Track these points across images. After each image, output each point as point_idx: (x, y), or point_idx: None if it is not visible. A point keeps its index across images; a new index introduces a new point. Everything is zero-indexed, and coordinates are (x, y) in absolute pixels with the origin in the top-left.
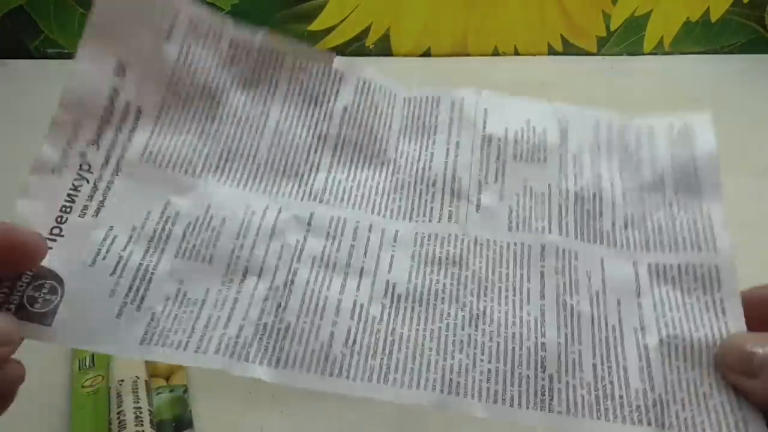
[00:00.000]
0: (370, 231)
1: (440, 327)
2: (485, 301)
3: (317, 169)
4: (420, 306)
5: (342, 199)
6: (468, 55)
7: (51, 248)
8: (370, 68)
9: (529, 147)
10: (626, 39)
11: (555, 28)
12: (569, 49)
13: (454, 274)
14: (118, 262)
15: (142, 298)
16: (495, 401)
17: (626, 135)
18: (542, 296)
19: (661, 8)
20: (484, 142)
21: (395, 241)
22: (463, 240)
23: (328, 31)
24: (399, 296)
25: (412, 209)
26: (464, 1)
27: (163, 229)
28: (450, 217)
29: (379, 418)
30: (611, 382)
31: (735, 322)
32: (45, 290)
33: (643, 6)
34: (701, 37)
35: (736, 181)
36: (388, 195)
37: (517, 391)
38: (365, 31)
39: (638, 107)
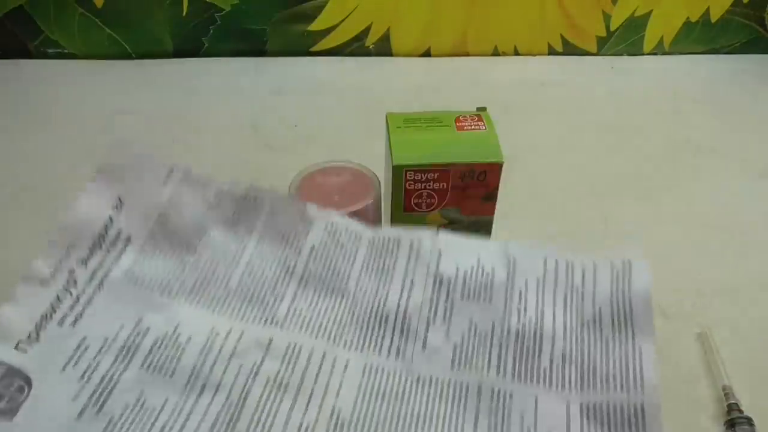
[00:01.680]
0: (323, 359)
1: None
2: None
3: (282, 298)
4: None
5: (301, 327)
6: (468, 55)
7: (26, 351)
8: (339, 216)
9: (477, 286)
10: (626, 39)
11: (555, 28)
12: (569, 49)
13: (395, 409)
14: (87, 369)
15: (104, 403)
16: None
17: (572, 271)
18: None
19: (661, 8)
20: (436, 282)
21: (345, 370)
22: (407, 378)
23: (328, 31)
24: (343, 422)
25: (364, 341)
26: (464, 1)
27: (133, 341)
28: (398, 353)
29: None
30: None
31: None
32: (13, 388)
33: (643, 6)
34: (701, 37)
35: (736, 181)
36: (345, 326)
37: None
38: (365, 31)
39: (638, 107)
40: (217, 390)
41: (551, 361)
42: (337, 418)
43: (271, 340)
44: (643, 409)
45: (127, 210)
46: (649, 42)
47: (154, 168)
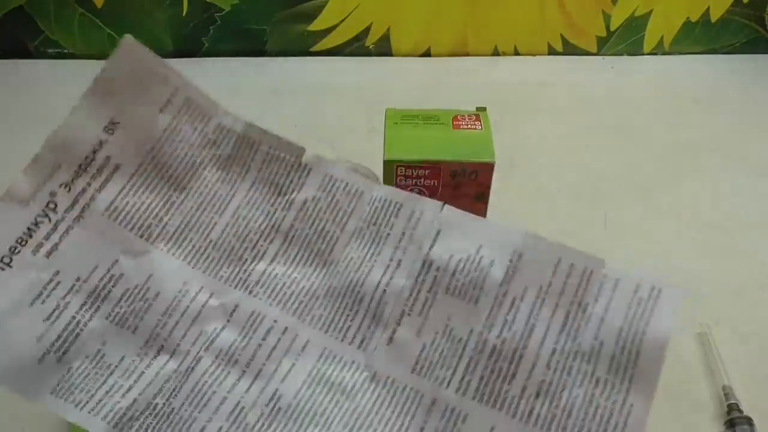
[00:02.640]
0: (283, 334)
1: None
2: None
3: (261, 257)
4: (293, 424)
5: (270, 294)
6: (468, 55)
7: None
8: (340, 166)
9: (466, 282)
10: (626, 39)
11: (555, 28)
12: (569, 49)
13: (338, 402)
14: (55, 309)
15: (66, 351)
16: None
17: (587, 284)
18: None
19: (661, 8)
20: (424, 266)
21: (302, 351)
22: (362, 373)
23: (328, 31)
24: (279, 409)
25: (331, 322)
26: (464, 1)
27: (104, 287)
28: (361, 343)
29: None
30: None
31: None
32: None
33: (643, 6)
34: (701, 37)
35: (736, 181)
36: (316, 299)
37: None
38: (365, 31)
39: (638, 107)
40: (172, 355)
41: (523, 389)
42: (275, 404)
43: (236, 307)
44: None
45: (120, 135)
46: (649, 42)
47: (155, 88)
